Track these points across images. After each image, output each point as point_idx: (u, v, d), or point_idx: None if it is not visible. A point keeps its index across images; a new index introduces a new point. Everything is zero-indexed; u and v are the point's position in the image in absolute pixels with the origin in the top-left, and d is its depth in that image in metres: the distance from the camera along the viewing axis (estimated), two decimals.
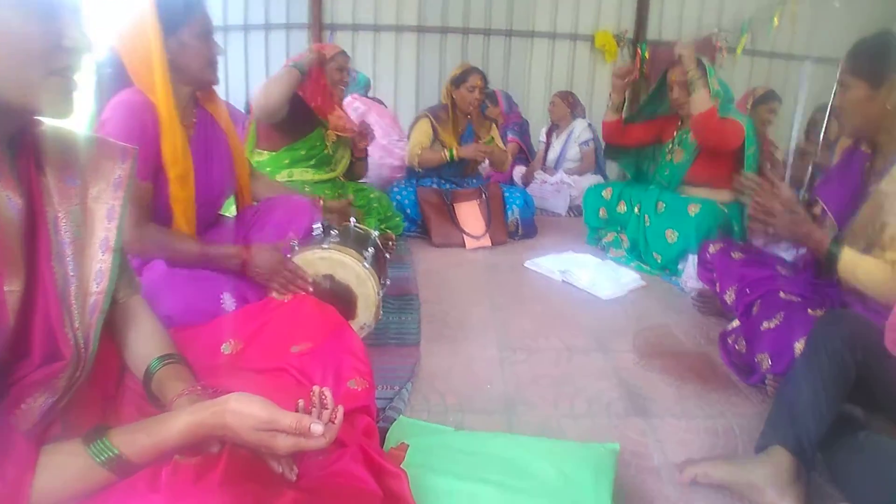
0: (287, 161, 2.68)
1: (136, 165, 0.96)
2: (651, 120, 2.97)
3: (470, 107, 3.28)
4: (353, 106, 3.84)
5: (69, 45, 0.76)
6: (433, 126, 3.31)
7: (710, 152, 2.67)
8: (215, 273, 1.53)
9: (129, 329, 1.00)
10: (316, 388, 0.86)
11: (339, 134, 2.76)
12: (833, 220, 1.66)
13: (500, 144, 3.52)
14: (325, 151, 2.75)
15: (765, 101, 3.72)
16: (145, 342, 1.00)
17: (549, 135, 4.65)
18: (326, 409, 0.83)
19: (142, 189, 1.41)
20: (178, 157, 1.47)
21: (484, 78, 3.30)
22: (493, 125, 3.52)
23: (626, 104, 3.00)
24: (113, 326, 0.99)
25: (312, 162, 2.72)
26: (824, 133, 2.85)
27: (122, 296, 1.01)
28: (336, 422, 0.81)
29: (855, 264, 1.47)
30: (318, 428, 0.76)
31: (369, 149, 3.02)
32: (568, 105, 4.52)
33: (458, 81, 3.26)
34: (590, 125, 4.46)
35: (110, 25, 1.46)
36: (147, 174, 1.44)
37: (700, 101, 2.56)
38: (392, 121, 4.13)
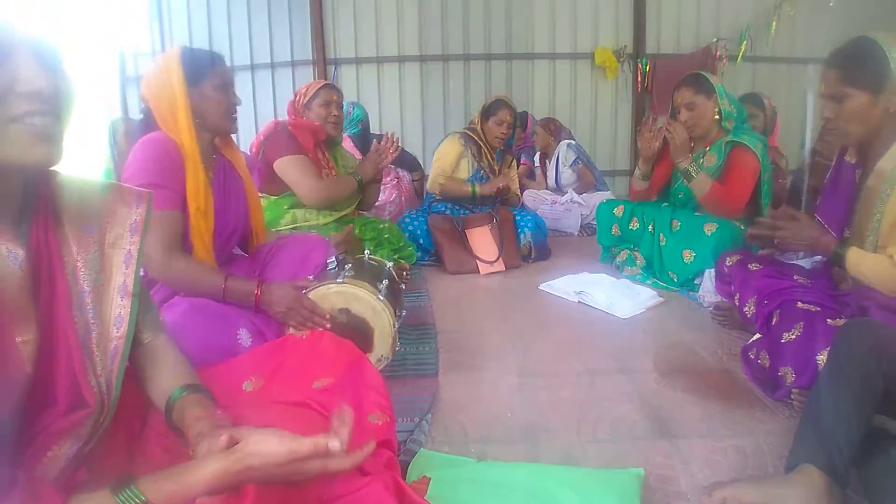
0: (287, 206, 2.57)
1: (152, 208, 0.97)
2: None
3: (497, 140, 3.30)
4: None
5: (24, 89, 0.71)
6: (464, 146, 3.31)
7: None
8: (232, 310, 1.55)
9: (155, 366, 1.00)
10: (335, 419, 0.84)
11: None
12: (834, 235, 1.67)
13: (516, 183, 3.53)
14: None
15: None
16: (168, 376, 0.99)
17: (542, 162, 4.70)
18: (346, 426, 0.80)
19: (174, 217, 1.52)
20: (199, 192, 1.57)
21: (514, 113, 3.30)
22: (514, 161, 3.53)
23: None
24: (138, 365, 1.00)
25: None
26: None
27: (146, 337, 1.01)
28: (364, 449, 0.80)
29: (859, 262, 1.53)
30: (335, 444, 0.75)
31: None
32: (550, 133, 4.57)
33: (486, 113, 3.28)
34: (569, 145, 4.45)
35: (142, 76, 1.66)
36: (178, 203, 1.54)
37: (700, 185, 2.57)
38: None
